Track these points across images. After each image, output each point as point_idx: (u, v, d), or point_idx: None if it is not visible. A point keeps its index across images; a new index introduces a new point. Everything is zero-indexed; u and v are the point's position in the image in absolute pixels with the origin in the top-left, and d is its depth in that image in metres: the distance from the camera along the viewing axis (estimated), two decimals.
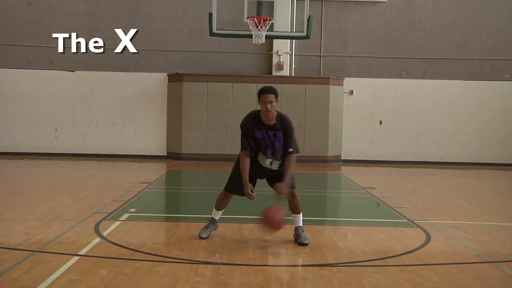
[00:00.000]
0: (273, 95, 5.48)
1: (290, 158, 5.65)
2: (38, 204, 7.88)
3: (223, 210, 6.03)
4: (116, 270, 4.78)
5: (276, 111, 5.60)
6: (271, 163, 5.72)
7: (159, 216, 7.83)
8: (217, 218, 6.03)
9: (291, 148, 5.61)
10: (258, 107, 5.64)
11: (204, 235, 5.91)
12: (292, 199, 5.81)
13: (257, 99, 5.57)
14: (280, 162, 5.71)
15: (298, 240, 5.82)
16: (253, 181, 5.77)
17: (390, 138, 15.89)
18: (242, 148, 5.65)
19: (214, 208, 6.00)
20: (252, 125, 5.58)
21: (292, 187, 5.77)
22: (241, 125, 5.68)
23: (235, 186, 5.77)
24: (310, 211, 8.29)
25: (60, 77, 15.54)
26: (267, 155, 5.67)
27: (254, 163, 5.72)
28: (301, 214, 5.91)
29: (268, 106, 5.46)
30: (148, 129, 15.71)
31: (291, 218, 5.91)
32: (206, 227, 6.00)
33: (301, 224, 5.91)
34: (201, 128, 14.96)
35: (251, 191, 5.56)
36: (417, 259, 5.43)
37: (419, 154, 15.91)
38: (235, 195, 5.89)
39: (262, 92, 5.52)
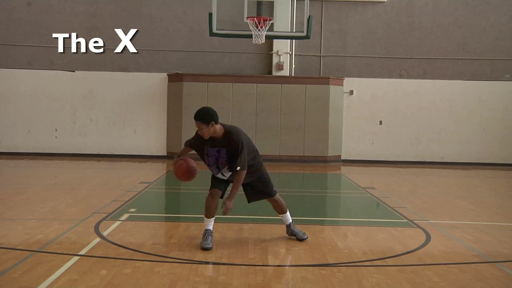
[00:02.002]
0: (200, 122, 5.47)
1: (237, 175, 5.55)
2: (38, 204, 7.88)
3: (214, 218, 5.73)
4: (116, 270, 4.78)
5: (225, 127, 5.55)
6: (222, 174, 5.69)
7: (159, 216, 7.83)
8: (211, 228, 5.71)
9: (238, 166, 5.49)
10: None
11: (208, 246, 5.54)
12: (275, 204, 5.99)
13: None
14: (231, 173, 5.65)
15: (297, 237, 6.01)
16: (225, 185, 5.80)
17: (390, 138, 15.90)
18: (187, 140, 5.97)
19: (204, 217, 5.72)
20: (201, 140, 5.65)
21: (273, 194, 5.89)
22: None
23: (214, 183, 5.76)
24: (310, 211, 8.30)
25: (60, 77, 15.54)
26: (214, 170, 5.69)
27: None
28: (287, 212, 6.05)
29: (199, 132, 5.56)
30: (148, 129, 15.71)
31: (281, 217, 6.12)
32: (205, 239, 5.61)
33: (290, 220, 6.07)
34: None
35: (178, 156, 5.95)
36: (417, 259, 5.43)
37: (419, 154, 15.91)
38: (221, 199, 5.80)
39: (194, 118, 5.56)
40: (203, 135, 5.53)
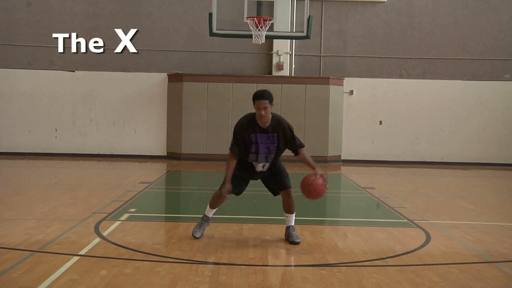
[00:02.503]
0: (267, 101, 5.42)
1: (302, 153, 5.70)
2: (38, 204, 7.88)
3: (216, 209, 5.99)
4: (116, 270, 4.78)
5: (272, 114, 5.57)
6: (263, 166, 5.71)
7: (159, 216, 7.83)
8: (210, 215, 6.00)
9: (297, 146, 5.66)
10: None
11: (198, 235, 5.91)
12: (287, 199, 5.86)
13: (252, 103, 5.52)
14: (272, 164, 5.74)
15: (290, 239, 5.87)
16: (246, 183, 5.84)
17: (390, 138, 15.89)
18: (231, 151, 5.64)
19: (208, 206, 5.96)
20: (247, 129, 5.55)
21: (289, 186, 5.83)
22: (235, 127, 5.64)
23: (232, 188, 5.75)
24: (310, 211, 8.29)
25: (60, 77, 15.54)
26: (260, 160, 5.65)
27: (248, 166, 5.74)
28: (294, 214, 5.93)
29: (263, 113, 5.42)
30: (148, 129, 15.71)
31: (285, 217, 6.00)
32: (199, 226, 5.98)
33: (292, 224, 5.95)
34: (201, 128, 14.95)
35: (232, 193, 5.67)
36: (417, 259, 5.43)
37: (419, 154, 15.90)
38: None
39: (256, 98, 5.45)
40: (264, 116, 5.42)
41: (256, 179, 5.90)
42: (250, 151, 5.61)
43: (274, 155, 5.68)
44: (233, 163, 5.63)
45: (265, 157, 5.64)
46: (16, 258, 5.04)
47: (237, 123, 5.64)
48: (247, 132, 5.54)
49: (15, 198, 8.50)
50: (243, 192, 5.90)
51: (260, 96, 5.43)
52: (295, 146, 5.67)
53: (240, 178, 5.76)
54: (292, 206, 5.87)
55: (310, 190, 5.55)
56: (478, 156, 15.84)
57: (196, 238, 5.89)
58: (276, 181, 5.85)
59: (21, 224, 6.51)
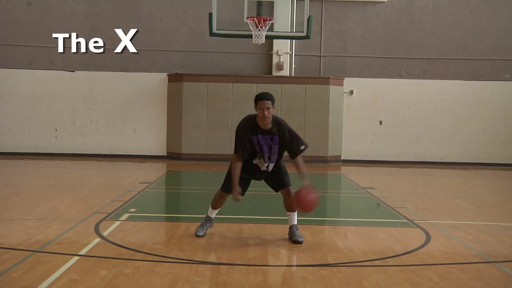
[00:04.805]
0: (270, 102, 5.53)
1: (298, 159, 5.70)
2: (38, 204, 7.88)
3: (219, 209, 6.09)
4: (116, 270, 4.78)
5: (272, 116, 5.63)
6: (268, 166, 5.76)
7: (159, 216, 7.83)
8: (213, 216, 6.09)
9: (301, 147, 5.68)
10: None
11: (200, 233, 5.98)
12: (287, 197, 5.86)
13: (254, 104, 5.60)
14: (274, 164, 5.78)
15: (293, 238, 5.89)
16: (248, 182, 5.89)
17: (390, 138, 15.89)
18: (235, 152, 5.68)
19: (210, 207, 6.07)
20: (249, 131, 5.61)
21: (288, 184, 5.86)
22: (236, 130, 5.70)
23: (231, 186, 5.78)
24: None
25: (60, 77, 15.54)
26: (265, 160, 5.71)
27: (251, 166, 5.78)
28: (296, 212, 5.94)
29: (266, 113, 5.51)
30: (148, 129, 15.70)
31: (287, 215, 6.03)
32: (202, 225, 6.07)
33: (295, 223, 5.97)
34: (201, 128, 14.95)
35: (240, 194, 5.66)
36: (417, 259, 5.43)
37: (419, 154, 15.90)
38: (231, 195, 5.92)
39: (259, 99, 5.55)
40: (268, 117, 5.51)
41: (260, 180, 5.94)
42: (254, 152, 5.67)
43: (277, 156, 5.73)
44: (239, 165, 5.66)
45: (268, 157, 5.69)
46: (16, 258, 5.04)
47: (238, 126, 5.70)
48: (249, 134, 5.61)
49: (15, 198, 8.50)
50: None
51: (264, 97, 5.54)
52: (294, 149, 5.68)
53: (243, 180, 5.79)
54: (293, 204, 5.84)
55: (305, 207, 5.69)
56: (478, 156, 15.84)
57: (199, 236, 5.93)
58: (276, 180, 5.90)
59: (21, 224, 6.52)
